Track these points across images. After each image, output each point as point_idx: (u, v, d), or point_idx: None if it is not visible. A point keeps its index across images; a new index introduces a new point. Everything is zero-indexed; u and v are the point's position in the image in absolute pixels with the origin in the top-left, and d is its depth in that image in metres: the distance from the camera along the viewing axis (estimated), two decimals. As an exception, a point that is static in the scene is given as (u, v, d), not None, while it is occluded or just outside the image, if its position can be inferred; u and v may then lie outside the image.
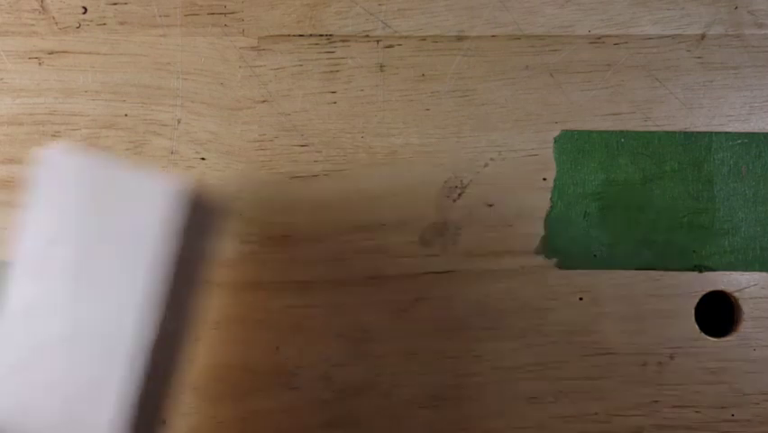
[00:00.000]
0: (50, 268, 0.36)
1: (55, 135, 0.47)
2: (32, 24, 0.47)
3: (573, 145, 0.47)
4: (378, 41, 0.47)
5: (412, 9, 0.47)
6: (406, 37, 0.47)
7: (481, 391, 0.46)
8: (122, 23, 0.47)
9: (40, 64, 0.47)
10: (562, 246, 0.47)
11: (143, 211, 0.36)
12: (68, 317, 0.36)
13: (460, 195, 0.47)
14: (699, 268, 0.47)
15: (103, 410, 0.35)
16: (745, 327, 0.47)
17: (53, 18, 0.47)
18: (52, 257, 0.36)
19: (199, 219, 0.37)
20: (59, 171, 0.37)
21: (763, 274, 0.47)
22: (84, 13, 0.47)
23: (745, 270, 0.47)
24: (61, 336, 0.36)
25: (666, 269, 0.47)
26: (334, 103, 0.47)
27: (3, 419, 0.36)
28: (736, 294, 0.47)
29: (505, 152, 0.47)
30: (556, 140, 0.47)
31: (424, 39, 0.47)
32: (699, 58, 0.47)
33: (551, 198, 0.47)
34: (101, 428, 0.35)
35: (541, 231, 0.47)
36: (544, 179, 0.47)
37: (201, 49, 0.47)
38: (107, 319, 0.35)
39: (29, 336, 0.36)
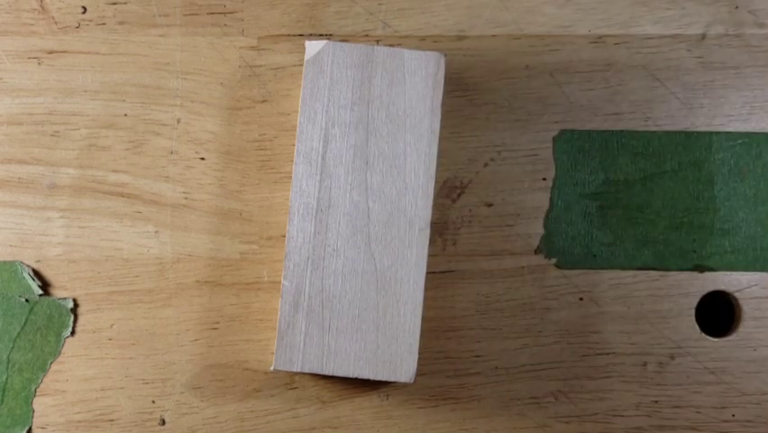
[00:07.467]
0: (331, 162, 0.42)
1: (54, 135, 0.47)
2: (32, 24, 0.47)
3: (573, 145, 0.47)
4: (378, 41, 0.47)
5: (412, 9, 0.47)
6: (406, 37, 0.47)
7: (481, 391, 0.46)
8: (121, 23, 0.47)
9: (39, 64, 0.47)
10: (562, 246, 0.47)
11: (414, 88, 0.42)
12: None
13: (460, 195, 0.47)
14: (700, 268, 0.47)
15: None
16: (745, 326, 0.47)
17: (53, 18, 0.47)
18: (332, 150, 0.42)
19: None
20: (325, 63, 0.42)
21: (764, 274, 0.47)
22: (83, 12, 0.47)
23: (746, 270, 0.47)
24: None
25: (666, 269, 0.47)
26: (334, 103, 0.47)
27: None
28: (737, 294, 0.47)
29: (505, 152, 0.47)
30: (556, 140, 0.47)
31: (424, 39, 0.47)
32: (699, 58, 0.47)
33: (551, 198, 0.47)
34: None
35: (541, 231, 0.47)
36: (544, 179, 0.47)
37: (201, 49, 0.47)
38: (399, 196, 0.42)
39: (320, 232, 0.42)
